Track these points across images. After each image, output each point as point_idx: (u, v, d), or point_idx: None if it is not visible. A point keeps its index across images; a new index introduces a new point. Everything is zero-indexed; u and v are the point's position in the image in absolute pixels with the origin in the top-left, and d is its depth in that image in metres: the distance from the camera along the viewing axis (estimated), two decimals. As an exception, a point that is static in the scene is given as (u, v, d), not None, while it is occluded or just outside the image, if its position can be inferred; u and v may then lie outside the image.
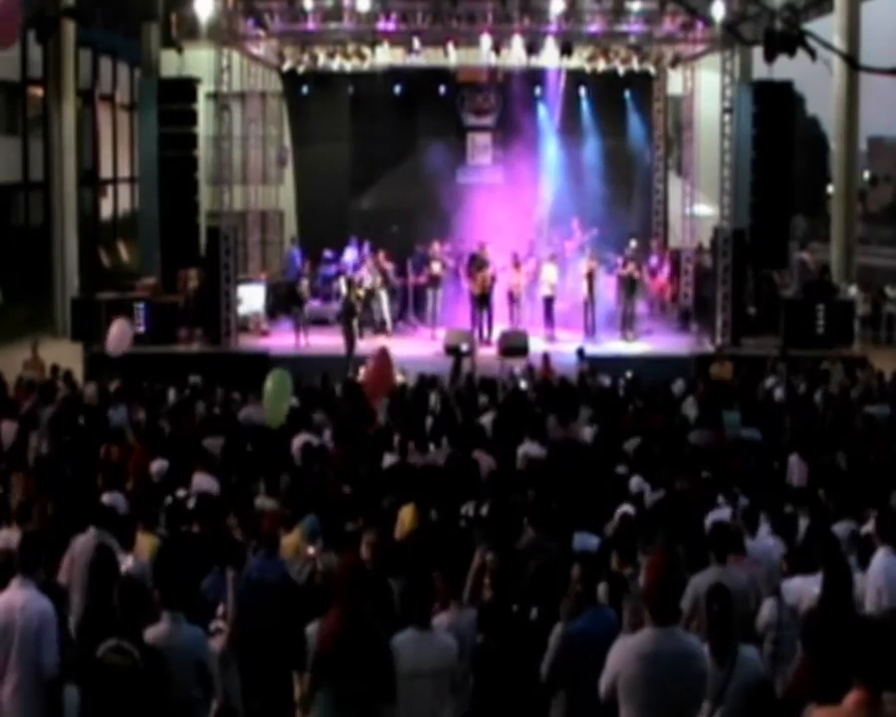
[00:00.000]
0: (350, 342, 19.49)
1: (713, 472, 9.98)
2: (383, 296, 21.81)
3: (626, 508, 8.50)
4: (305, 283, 21.66)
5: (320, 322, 21.89)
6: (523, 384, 16.24)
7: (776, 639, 6.56)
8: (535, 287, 21.70)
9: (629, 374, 17.04)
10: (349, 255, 22.71)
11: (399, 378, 16.91)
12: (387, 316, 21.85)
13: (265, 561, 6.92)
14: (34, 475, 9.61)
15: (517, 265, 21.32)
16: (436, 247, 21.95)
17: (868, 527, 7.81)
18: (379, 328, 21.67)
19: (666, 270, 23.56)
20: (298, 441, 10.98)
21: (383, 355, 14.94)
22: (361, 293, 21.23)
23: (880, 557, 6.99)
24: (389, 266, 22.11)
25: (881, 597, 6.69)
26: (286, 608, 6.46)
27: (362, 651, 5.35)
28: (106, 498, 8.50)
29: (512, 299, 21.49)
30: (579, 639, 5.66)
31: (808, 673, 5.31)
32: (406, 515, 8.24)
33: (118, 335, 12.43)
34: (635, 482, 9.58)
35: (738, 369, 17.22)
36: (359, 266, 22.19)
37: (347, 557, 6.17)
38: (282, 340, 21.48)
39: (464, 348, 19.06)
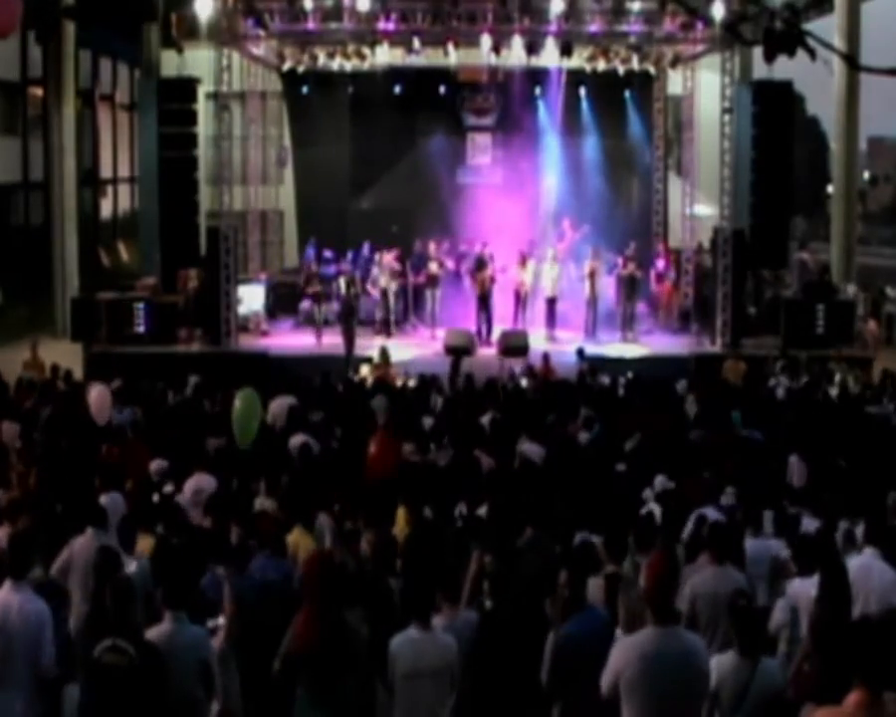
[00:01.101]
0: (350, 342, 19.47)
1: (713, 472, 9.97)
2: (391, 297, 21.75)
3: (652, 507, 8.48)
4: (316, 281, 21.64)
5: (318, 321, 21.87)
6: (523, 383, 16.24)
7: (790, 639, 6.52)
8: (536, 287, 21.69)
9: (630, 374, 17.04)
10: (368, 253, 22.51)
11: (399, 381, 16.93)
12: (392, 317, 21.79)
13: (268, 560, 6.92)
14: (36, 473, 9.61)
15: (523, 263, 21.27)
16: (432, 247, 21.89)
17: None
18: (382, 328, 21.58)
19: (673, 275, 23.23)
20: (295, 441, 10.98)
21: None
22: (377, 292, 21.20)
23: (862, 558, 6.95)
24: (397, 266, 22.05)
25: (857, 600, 6.55)
26: (289, 608, 6.45)
27: (334, 650, 5.30)
28: (104, 498, 8.49)
29: (518, 298, 21.45)
30: (570, 642, 5.66)
31: (811, 673, 5.31)
32: (402, 514, 8.23)
33: (98, 400, 12.41)
34: (659, 481, 9.51)
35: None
36: (369, 265, 22.15)
37: (314, 553, 6.12)
38: (282, 340, 21.47)
39: (464, 347, 19.05)
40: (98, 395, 12.42)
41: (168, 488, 9.44)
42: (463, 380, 15.91)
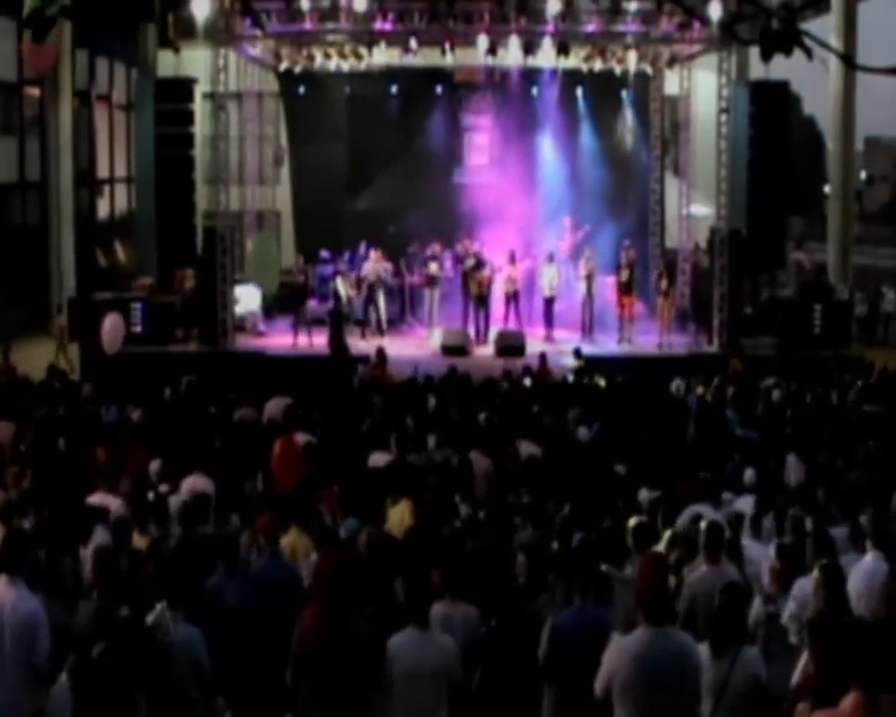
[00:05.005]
0: (335, 343, 19.36)
1: (711, 472, 9.97)
2: (381, 295, 21.74)
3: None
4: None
5: (318, 322, 21.83)
6: (522, 383, 16.20)
7: (765, 636, 6.54)
8: (533, 287, 21.67)
9: (626, 375, 17.02)
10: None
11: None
12: (383, 315, 21.75)
13: (270, 560, 6.90)
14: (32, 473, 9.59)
15: (512, 262, 21.26)
16: (437, 248, 21.91)
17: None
18: (376, 327, 21.57)
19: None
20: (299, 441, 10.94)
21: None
22: (362, 290, 21.15)
23: (867, 561, 6.95)
24: (388, 266, 22.04)
25: (860, 603, 6.57)
26: (287, 608, 6.43)
27: (341, 647, 5.30)
28: (98, 499, 8.46)
29: (507, 298, 21.42)
30: (565, 631, 5.69)
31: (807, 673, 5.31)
32: (399, 513, 8.21)
33: (111, 331, 12.19)
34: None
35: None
36: (363, 264, 22.15)
37: (326, 554, 6.12)
38: (278, 340, 21.43)
39: (459, 347, 19.04)
40: (111, 324, 12.02)
41: (163, 488, 9.40)
42: (459, 380, 15.83)
